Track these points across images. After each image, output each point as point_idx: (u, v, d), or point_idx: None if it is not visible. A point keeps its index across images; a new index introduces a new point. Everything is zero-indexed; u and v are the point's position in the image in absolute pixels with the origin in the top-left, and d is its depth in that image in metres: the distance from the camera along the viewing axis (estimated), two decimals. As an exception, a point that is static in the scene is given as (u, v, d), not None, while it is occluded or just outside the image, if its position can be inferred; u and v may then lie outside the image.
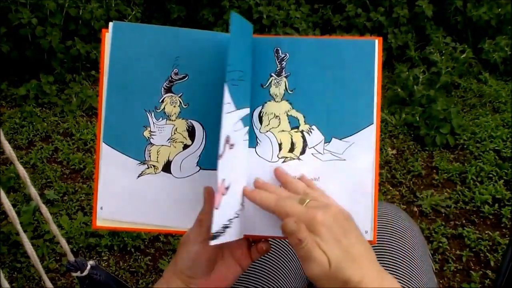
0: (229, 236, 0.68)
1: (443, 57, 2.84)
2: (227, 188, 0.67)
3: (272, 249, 0.99)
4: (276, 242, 1.00)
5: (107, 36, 0.75)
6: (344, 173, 0.75)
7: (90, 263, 0.92)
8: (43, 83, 2.72)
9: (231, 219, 0.68)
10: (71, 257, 0.90)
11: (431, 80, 2.73)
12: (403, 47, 3.04)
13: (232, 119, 0.68)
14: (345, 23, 3.14)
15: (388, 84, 2.87)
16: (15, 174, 2.17)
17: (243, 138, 0.73)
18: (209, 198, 0.72)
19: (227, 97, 0.65)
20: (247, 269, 0.95)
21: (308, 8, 3.23)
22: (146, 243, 1.97)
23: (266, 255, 0.98)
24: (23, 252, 1.86)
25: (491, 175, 2.21)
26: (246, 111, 0.74)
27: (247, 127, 0.74)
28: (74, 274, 0.91)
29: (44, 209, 0.85)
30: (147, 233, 1.98)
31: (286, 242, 1.01)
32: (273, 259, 0.98)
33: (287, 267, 0.98)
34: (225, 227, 0.67)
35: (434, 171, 2.29)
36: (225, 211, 0.67)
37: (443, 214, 2.05)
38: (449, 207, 2.08)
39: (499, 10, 3.03)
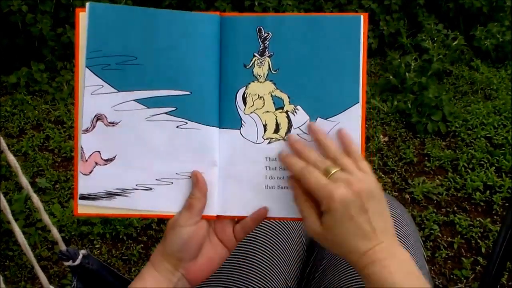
0: (124, 203, 0.75)
1: (435, 44, 2.84)
2: (107, 160, 0.75)
3: (267, 233, 1.00)
4: (271, 225, 1.01)
5: (82, 16, 0.75)
6: None
7: (82, 252, 0.92)
8: (34, 71, 2.71)
9: (126, 189, 0.75)
10: (63, 246, 0.90)
11: (423, 67, 2.73)
12: (395, 34, 3.04)
13: (104, 100, 0.74)
14: (337, 10, 3.12)
15: (380, 71, 2.88)
16: (6, 163, 2.15)
17: (161, 118, 0.75)
18: (198, 183, 0.73)
19: (93, 80, 0.74)
20: (242, 255, 0.96)
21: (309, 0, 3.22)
22: (138, 231, 1.97)
23: (260, 240, 0.99)
24: (15, 240, 1.86)
25: (482, 162, 2.22)
26: (151, 93, 0.74)
27: (167, 108, 0.75)
28: (66, 263, 0.90)
29: (35, 198, 0.84)
30: (140, 220, 1.98)
31: (282, 226, 1.01)
32: (267, 244, 0.99)
33: (282, 251, 0.99)
34: (110, 193, 0.75)
35: (426, 158, 2.29)
36: (103, 179, 0.75)
37: (435, 201, 2.06)
38: (441, 194, 2.09)
39: (491, -3, 3.03)
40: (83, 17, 0.74)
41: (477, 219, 1.98)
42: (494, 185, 2.10)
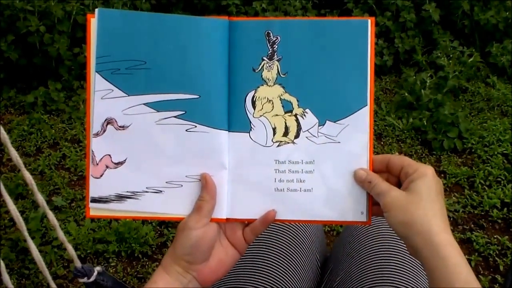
0: (134, 206, 0.77)
1: (450, 61, 2.83)
2: (118, 163, 0.76)
3: (282, 246, 1.00)
4: (287, 238, 1.01)
5: (93, 22, 0.76)
6: (339, 155, 0.76)
7: (97, 269, 0.92)
8: (51, 90, 2.73)
9: (136, 192, 0.76)
10: (78, 263, 0.90)
11: (438, 84, 2.72)
12: (410, 51, 3.04)
13: (114, 104, 0.75)
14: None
15: (395, 88, 2.87)
16: (23, 181, 2.17)
17: (170, 122, 0.76)
18: (207, 185, 0.74)
19: (103, 85, 0.75)
20: (256, 266, 0.96)
21: (315, 14, 3.23)
22: (153, 249, 1.97)
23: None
24: (31, 258, 1.87)
25: (499, 179, 2.20)
26: (160, 96, 0.75)
27: (176, 112, 0.75)
28: (81, 280, 0.91)
29: (50, 215, 0.85)
30: (155, 238, 1.98)
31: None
32: (282, 257, 0.99)
33: (295, 266, 0.99)
34: (121, 196, 0.76)
35: (442, 175, 2.28)
36: (114, 182, 0.76)
37: (452, 219, 2.04)
38: (458, 211, 2.07)
39: (507, 13, 3.02)
40: (94, 23, 0.75)
41: (495, 236, 1.96)
42: (511, 202, 2.07)
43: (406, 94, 2.66)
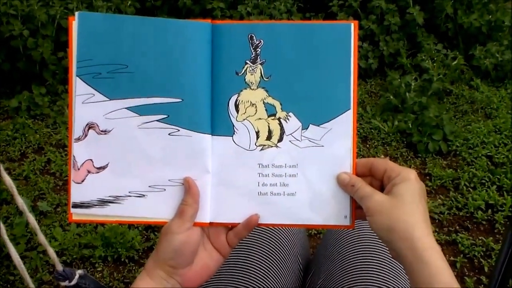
0: (117, 210, 0.76)
1: (434, 64, 2.85)
2: (100, 168, 0.75)
3: (264, 250, 1.00)
4: (269, 241, 1.01)
5: (74, 25, 0.75)
6: (322, 159, 0.76)
7: (79, 272, 0.91)
8: (35, 95, 2.71)
9: (119, 196, 0.76)
10: (59, 267, 0.90)
11: (423, 87, 2.74)
12: (395, 54, 3.05)
13: (95, 108, 0.75)
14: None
15: (381, 91, 2.88)
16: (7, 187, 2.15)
17: (152, 126, 0.75)
18: (190, 189, 0.74)
19: (84, 89, 0.74)
20: (238, 271, 0.96)
21: (300, 17, 3.25)
22: (140, 253, 1.96)
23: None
24: (15, 265, 1.85)
25: (484, 181, 2.22)
26: (143, 100, 0.75)
27: (158, 115, 0.75)
28: (63, 284, 0.90)
29: (31, 218, 0.84)
30: (142, 242, 1.97)
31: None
32: (264, 261, 0.99)
33: (278, 269, 0.99)
34: (103, 201, 0.76)
35: (427, 177, 2.29)
36: (96, 187, 0.75)
37: (437, 221, 2.05)
38: (443, 213, 2.08)
39: (490, 17, 3.05)
40: (75, 26, 0.75)
41: (480, 238, 1.97)
42: (495, 203, 2.09)
43: (391, 97, 2.68)
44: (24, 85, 2.81)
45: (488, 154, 2.35)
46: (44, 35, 2.73)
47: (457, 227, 2.02)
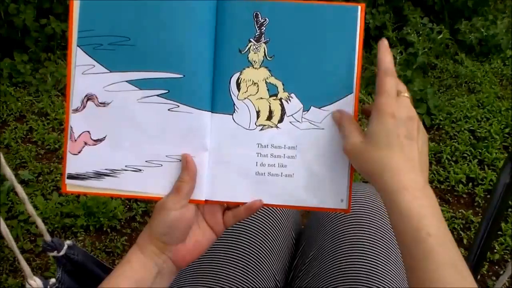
0: (113, 184, 0.75)
1: (420, 38, 2.85)
2: (97, 140, 0.75)
3: (257, 225, 1.00)
4: (262, 216, 1.01)
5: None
6: (322, 142, 0.75)
7: (67, 242, 0.92)
8: (17, 62, 2.68)
9: (115, 170, 0.75)
10: (47, 237, 0.90)
11: (408, 60, 2.74)
12: (381, 27, 3.04)
13: (95, 80, 0.74)
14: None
15: (366, 64, 2.88)
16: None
17: (152, 100, 0.74)
18: (187, 166, 0.73)
19: (84, 60, 0.74)
20: (232, 246, 0.96)
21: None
22: (122, 223, 1.96)
23: (250, 231, 0.99)
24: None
25: (465, 155, 2.24)
26: (143, 74, 0.74)
27: (159, 90, 0.74)
28: (51, 254, 0.90)
29: (19, 189, 0.83)
30: (124, 212, 1.97)
31: (272, 217, 1.01)
32: (257, 236, 0.99)
33: (271, 244, 0.99)
34: (99, 174, 0.75)
35: (410, 151, 2.30)
36: (92, 159, 0.75)
37: (418, 194, 2.07)
38: (424, 186, 2.09)
39: (476, -9, 3.05)
40: None
41: (460, 211, 2.00)
42: (476, 177, 2.12)
43: (376, 70, 2.67)
44: (5, 52, 2.76)
45: (471, 128, 2.37)
46: (26, 1, 2.68)
47: (438, 200, 2.05)
